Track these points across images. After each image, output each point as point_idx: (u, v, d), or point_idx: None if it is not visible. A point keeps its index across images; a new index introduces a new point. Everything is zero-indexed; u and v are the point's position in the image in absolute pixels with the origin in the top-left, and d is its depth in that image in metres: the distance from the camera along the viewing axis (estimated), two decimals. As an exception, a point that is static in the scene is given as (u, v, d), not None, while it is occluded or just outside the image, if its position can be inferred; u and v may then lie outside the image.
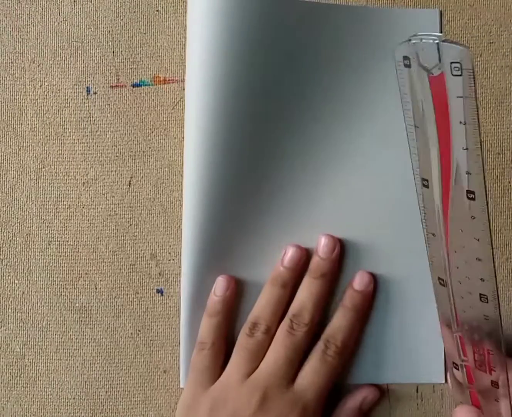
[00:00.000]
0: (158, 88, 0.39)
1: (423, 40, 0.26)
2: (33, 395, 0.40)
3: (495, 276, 0.31)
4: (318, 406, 0.36)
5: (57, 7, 0.40)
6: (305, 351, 0.37)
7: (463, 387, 0.35)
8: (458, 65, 0.26)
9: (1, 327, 0.40)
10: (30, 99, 0.40)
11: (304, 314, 0.37)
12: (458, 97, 0.27)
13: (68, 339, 0.40)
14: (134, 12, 0.39)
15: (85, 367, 0.40)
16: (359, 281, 0.38)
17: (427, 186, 0.30)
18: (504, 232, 0.40)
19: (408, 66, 0.28)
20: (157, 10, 0.40)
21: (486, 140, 0.39)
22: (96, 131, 0.39)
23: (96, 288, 0.40)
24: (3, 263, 0.40)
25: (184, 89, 0.39)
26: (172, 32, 0.39)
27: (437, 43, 0.26)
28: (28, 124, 0.40)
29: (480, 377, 0.33)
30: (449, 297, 0.33)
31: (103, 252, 0.40)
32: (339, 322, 0.38)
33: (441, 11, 0.39)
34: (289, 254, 0.38)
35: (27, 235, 0.40)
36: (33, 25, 0.40)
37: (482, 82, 0.39)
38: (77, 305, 0.40)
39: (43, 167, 0.40)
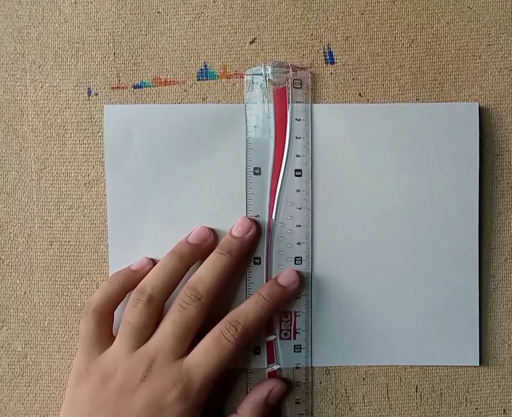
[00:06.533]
0: (159, 90, 0.39)
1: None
2: (35, 394, 0.40)
3: (311, 239, 0.39)
4: (204, 386, 0.35)
5: (58, 9, 0.40)
6: (198, 327, 0.36)
7: None
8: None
9: (3, 326, 0.40)
10: (31, 100, 0.40)
11: (199, 287, 0.36)
12: (296, 102, 0.39)
13: (70, 338, 0.40)
14: (135, 13, 0.39)
15: (86, 366, 0.40)
16: (285, 278, 0.38)
17: (259, 174, 0.39)
18: (503, 232, 0.40)
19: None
20: (158, 12, 0.39)
21: (485, 142, 0.40)
22: (97, 132, 0.39)
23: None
24: (5, 263, 0.40)
25: (185, 90, 0.39)
26: (173, 33, 0.39)
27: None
28: (29, 125, 0.40)
29: None
30: (265, 273, 0.39)
31: (104, 252, 0.40)
32: (248, 306, 0.37)
33: (479, 105, 0.39)
34: (195, 230, 0.38)
35: (28, 235, 0.40)
36: (34, 26, 0.40)
37: (481, 84, 0.40)
38: (79, 304, 0.40)
39: (45, 168, 0.40)
